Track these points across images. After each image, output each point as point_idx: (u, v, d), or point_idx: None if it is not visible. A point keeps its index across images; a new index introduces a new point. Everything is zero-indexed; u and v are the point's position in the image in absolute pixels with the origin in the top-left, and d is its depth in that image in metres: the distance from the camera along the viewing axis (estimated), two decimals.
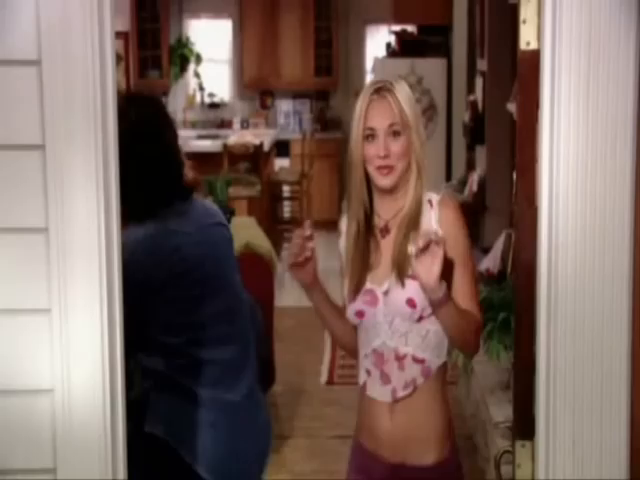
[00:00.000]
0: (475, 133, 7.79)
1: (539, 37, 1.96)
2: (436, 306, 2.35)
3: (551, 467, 1.99)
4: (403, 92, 2.43)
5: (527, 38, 1.99)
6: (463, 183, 8.09)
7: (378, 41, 10.72)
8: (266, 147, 9.14)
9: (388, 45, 9.96)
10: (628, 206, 1.93)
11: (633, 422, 1.98)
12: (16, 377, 1.93)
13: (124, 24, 9.63)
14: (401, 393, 2.46)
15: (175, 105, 10.98)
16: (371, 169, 2.43)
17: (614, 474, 1.98)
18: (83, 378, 1.92)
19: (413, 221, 2.43)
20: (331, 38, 10.88)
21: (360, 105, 2.44)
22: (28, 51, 1.87)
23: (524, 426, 2.08)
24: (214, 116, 11.16)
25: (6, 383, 1.93)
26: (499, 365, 4.51)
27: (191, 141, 9.61)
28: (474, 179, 7.69)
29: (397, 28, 9.95)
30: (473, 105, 7.84)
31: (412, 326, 2.42)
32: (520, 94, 2.04)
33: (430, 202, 2.45)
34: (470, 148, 8.36)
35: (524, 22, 1.98)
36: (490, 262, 5.68)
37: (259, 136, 9.54)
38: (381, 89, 2.42)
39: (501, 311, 4.25)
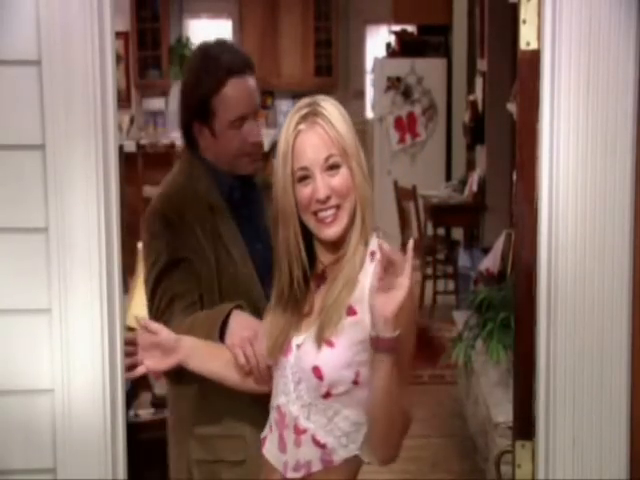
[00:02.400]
0: (475, 133, 7.79)
1: (539, 37, 1.96)
2: (378, 349, 1.81)
3: (551, 467, 1.99)
4: (335, 111, 1.95)
5: (527, 38, 1.99)
6: (463, 183, 8.09)
7: (378, 41, 10.71)
8: (266, 147, 9.14)
9: (388, 45, 9.95)
10: (628, 206, 1.93)
11: (633, 422, 1.98)
12: (16, 377, 1.93)
13: (124, 24, 9.63)
14: (290, 474, 2.00)
15: (175, 105, 10.96)
16: (308, 218, 1.95)
17: (614, 474, 1.98)
18: (83, 378, 1.92)
19: (351, 276, 1.95)
20: (331, 38, 10.87)
21: (285, 140, 1.95)
22: (28, 51, 1.87)
23: (524, 426, 2.07)
24: None
25: (6, 383, 1.93)
26: (499, 365, 4.51)
27: None
28: (474, 179, 7.70)
29: (397, 28, 9.95)
30: (473, 105, 7.84)
31: (317, 400, 1.95)
32: (520, 94, 2.04)
33: (372, 255, 1.94)
34: (470, 148, 8.36)
35: (524, 22, 1.98)
36: (490, 262, 5.68)
37: None
38: (308, 115, 1.94)
39: (501, 311, 4.25)
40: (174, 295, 2.32)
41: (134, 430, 2.96)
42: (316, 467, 1.97)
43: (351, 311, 1.93)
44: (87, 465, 1.94)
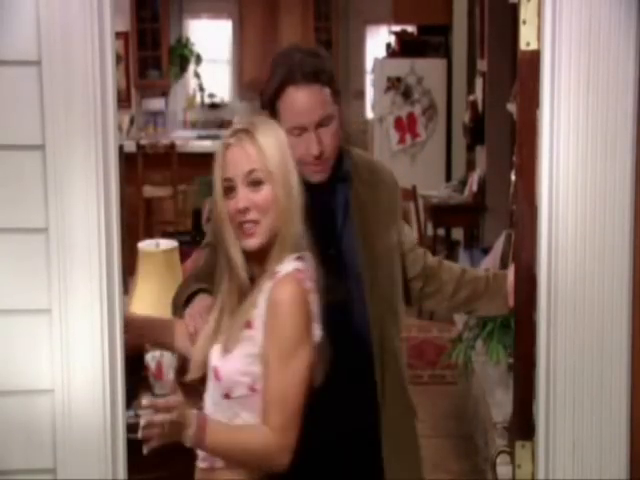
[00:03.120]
0: (475, 133, 7.79)
1: (539, 37, 1.96)
2: None
3: (551, 467, 1.99)
4: (268, 132, 2.07)
5: (527, 38, 1.99)
6: (463, 183, 8.09)
7: (378, 41, 10.71)
8: None
9: (388, 45, 9.95)
10: (628, 206, 1.93)
11: (633, 422, 1.98)
12: (16, 377, 1.93)
13: (124, 24, 9.64)
14: (200, 463, 2.10)
15: (175, 105, 10.98)
16: (235, 228, 2.06)
17: (614, 474, 1.98)
18: (83, 378, 1.92)
19: (257, 293, 2.06)
20: (331, 38, 10.87)
21: (217, 152, 2.09)
22: (28, 51, 1.87)
23: (524, 426, 2.07)
24: (214, 116, 11.15)
25: (6, 383, 1.93)
26: (499, 365, 4.51)
27: (191, 141, 9.61)
28: (474, 179, 7.69)
29: (397, 28, 9.95)
30: (473, 105, 7.84)
31: (220, 399, 2.07)
32: (520, 94, 2.04)
33: (274, 275, 2.04)
34: (470, 148, 8.36)
35: (524, 22, 1.98)
36: (490, 262, 5.68)
37: None
38: (239, 131, 2.07)
39: None
40: (197, 276, 2.46)
41: (134, 430, 2.97)
42: (219, 463, 2.06)
43: (249, 324, 2.05)
44: (87, 465, 1.94)
